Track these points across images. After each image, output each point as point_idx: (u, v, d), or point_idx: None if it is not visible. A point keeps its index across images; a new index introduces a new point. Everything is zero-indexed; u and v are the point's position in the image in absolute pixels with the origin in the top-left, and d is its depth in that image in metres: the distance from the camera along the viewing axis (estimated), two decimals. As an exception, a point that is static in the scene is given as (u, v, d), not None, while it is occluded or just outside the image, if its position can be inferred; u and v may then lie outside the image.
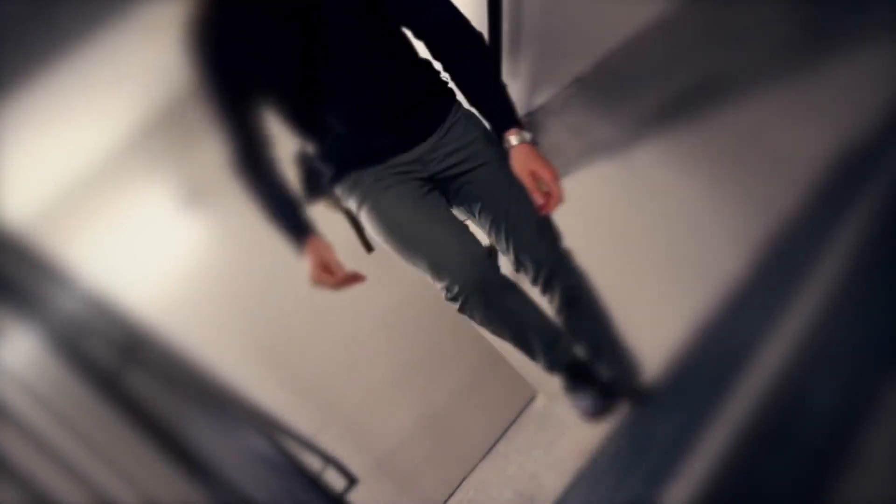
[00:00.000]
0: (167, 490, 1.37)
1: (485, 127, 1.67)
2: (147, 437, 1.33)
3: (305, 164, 1.73)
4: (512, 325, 1.66)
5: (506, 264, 1.73)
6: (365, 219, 1.66)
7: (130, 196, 3.11)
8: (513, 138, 1.56)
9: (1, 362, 1.23)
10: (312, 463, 2.25)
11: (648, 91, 1.56)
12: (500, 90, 1.63)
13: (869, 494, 0.82)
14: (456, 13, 1.62)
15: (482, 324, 1.65)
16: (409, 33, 1.64)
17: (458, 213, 1.70)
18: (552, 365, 1.72)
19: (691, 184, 1.57)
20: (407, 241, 1.61)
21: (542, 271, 1.66)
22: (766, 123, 1.27)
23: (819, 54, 1.12)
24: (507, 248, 1.67)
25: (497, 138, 1.59)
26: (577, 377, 1.74)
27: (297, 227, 1.65)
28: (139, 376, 1.56)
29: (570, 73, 1.72)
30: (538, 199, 1.54)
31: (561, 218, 1.65)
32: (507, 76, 1.87)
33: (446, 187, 1.67)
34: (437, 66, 1.66)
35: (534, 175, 1.53)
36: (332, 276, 1.61)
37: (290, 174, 1.70)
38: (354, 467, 2.31)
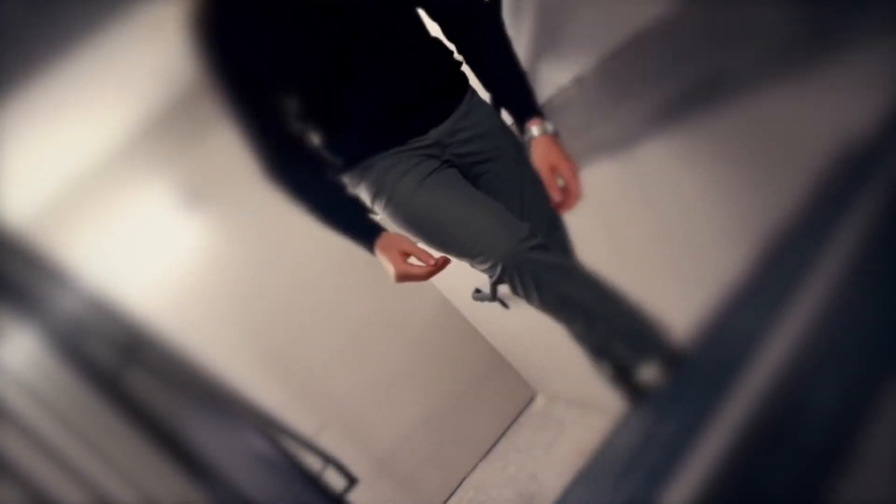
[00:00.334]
0: (167, 490, 1.37)
1: (498, 117, 1.61)
2: (147, 437, 1.33)
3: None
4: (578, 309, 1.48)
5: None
6: (382, 208, 1.56)
7: (130, 196, 3.11)
8: (534, 129, 1.48)
9: (1, 362, 1.23)
10: (312, 463, 2.25)
11: (649, 91, 1.56)
12: (522, 76, 1.55)
13: (869, 494, 0.82)
14: None
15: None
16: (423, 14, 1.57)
17: None
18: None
19: (691, 184, 1.57)
20: (437, 223, 1.49)
21: None
22: (767, 123, 1.27)
23: (819, 54, 1.12)
24: None
25: (517, 128, 1.51)
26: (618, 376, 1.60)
27: (363, 226, 1.51)
28: (139, 376, 1.56)
29: (570, 73, 1.72)
30: (554, 196, 1.47)
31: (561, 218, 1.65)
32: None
33: (463, 174, 1.59)
34: (451, 47, 1.59)
35: (553, 169, 1.45)
36: (424, 264, 1.44)
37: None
38: (354, 467, 2.31)
